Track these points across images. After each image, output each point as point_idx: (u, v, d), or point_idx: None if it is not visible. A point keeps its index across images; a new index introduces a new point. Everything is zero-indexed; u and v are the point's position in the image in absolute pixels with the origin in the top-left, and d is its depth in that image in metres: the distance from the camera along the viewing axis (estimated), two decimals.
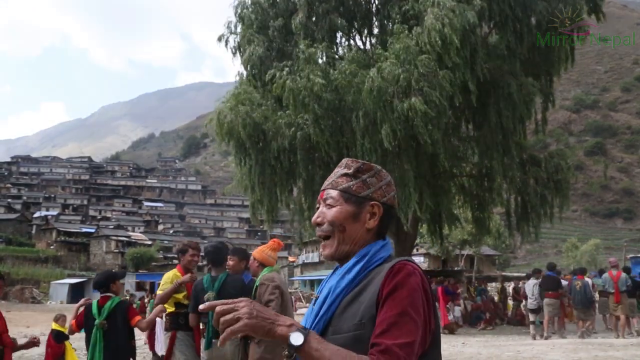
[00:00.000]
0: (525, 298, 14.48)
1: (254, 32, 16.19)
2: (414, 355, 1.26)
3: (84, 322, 4.50)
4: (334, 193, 1.47)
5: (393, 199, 1.51)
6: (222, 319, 1.22)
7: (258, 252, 4.37)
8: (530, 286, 13.18)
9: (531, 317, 13.18)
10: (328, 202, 1.47)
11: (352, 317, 1.34)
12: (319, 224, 1.47)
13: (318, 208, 1.51)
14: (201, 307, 1.27)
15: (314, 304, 1.45)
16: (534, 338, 12.34)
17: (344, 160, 1.54)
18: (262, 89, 16.03)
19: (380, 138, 13.42)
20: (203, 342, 4.59)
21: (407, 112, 12.89)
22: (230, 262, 4.98)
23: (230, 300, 1.25)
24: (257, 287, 4.12)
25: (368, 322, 1.30)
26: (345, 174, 1.49)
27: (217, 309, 1.23)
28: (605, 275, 12.64)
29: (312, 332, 1.24)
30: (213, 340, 4.42)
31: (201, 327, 4.64)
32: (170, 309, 5.05)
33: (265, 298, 3.95)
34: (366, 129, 13.58)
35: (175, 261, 5.93)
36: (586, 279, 13.36)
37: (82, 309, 4.65)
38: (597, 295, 13.58)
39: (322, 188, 1.53)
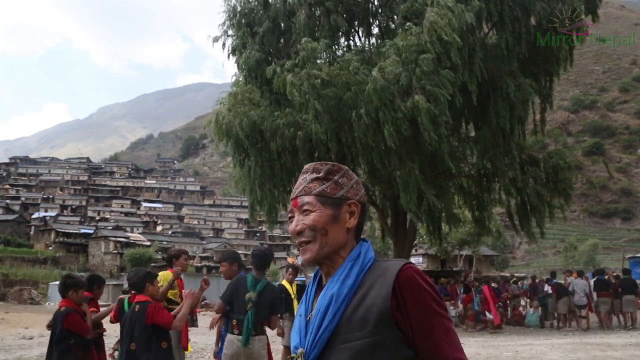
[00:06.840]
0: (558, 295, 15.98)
1: (247, 35, 16.17)
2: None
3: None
4: (309, 199, 1.44)
5: (364, 197, 1.50)
6: None
7: None
8: (582, 285, 15.11)
9: (583, 313, 15.20)
10: (305, 208, 1.43)
11: (362, 323, 1.30)
12: (299, 232, 1.43)
13: (291, 217, 1.47)
14: None
15: (307, 320, 1.40)
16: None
17: (310, 165, 1.51)
18: (260, 89, 16.00)
19: (382, 137, 13.37)
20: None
21: (411, 110, 12.86)
22: (221, 269, 5.25)
23: None
24: None
25: (384, 329, 1.29)
26: (316, 178, 1.46)
27: None
28: None
29: None
30: (250, 338, 4.63)
31: (234, 322, 4.77)
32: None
33: None
34: (367, 128, 13.52)
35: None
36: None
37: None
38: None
39: (294, 196, 1.48)
